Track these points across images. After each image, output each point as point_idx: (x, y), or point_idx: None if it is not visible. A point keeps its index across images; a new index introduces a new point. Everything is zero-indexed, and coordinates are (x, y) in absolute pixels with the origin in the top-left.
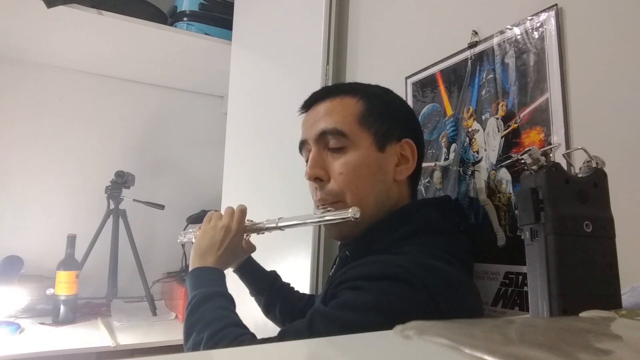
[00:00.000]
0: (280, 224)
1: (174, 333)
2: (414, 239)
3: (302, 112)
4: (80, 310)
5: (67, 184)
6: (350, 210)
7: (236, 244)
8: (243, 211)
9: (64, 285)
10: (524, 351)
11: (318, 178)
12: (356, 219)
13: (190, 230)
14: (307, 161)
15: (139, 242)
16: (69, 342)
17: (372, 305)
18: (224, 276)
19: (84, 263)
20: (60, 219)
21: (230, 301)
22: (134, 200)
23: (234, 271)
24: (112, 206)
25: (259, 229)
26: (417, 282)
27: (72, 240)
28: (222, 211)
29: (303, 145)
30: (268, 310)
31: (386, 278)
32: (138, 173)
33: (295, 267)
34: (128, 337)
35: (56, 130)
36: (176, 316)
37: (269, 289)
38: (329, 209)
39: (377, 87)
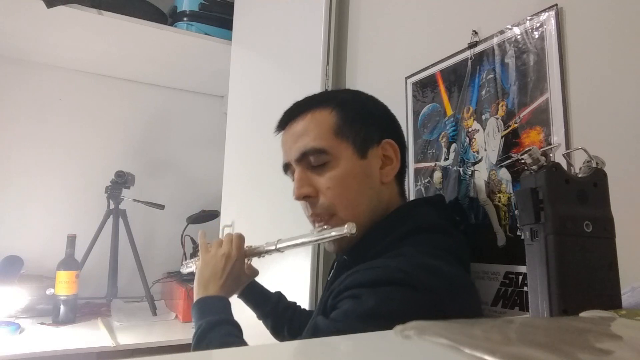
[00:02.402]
0: (279, 246)
1: (174, 333)
2: (411, 238)
3: (278, 132)
4: (80, 310)
5: (67, 184)
6: (345, 227)
7: (238, 270)
8: (241, 237)
9: (64, 285)
10: (524, 351)
11: (307, 196)
12: (352, 234)
13: (192, 260)
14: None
15: (139, 242)
16: (69, 342)
17: (374, 312)
18: (229, 303)
19: (84, 263)
20: (60, 219)
21: (236, 328)
22: (134, 200)
23: (238, 296)
24: (112, 206)
25: (259, 253)
26: (419, 286)
27: (72, 240)
28: (221, 235)
29: (287, 167)
30: (277, 332)
31: (386, 283)
32: (138, 173)
33: (295, 270)
34: (128, 337)
35: (56, 131)
36: (176, 316)
37: (274, 311)
38: (324, 227)
39: (347, 92)
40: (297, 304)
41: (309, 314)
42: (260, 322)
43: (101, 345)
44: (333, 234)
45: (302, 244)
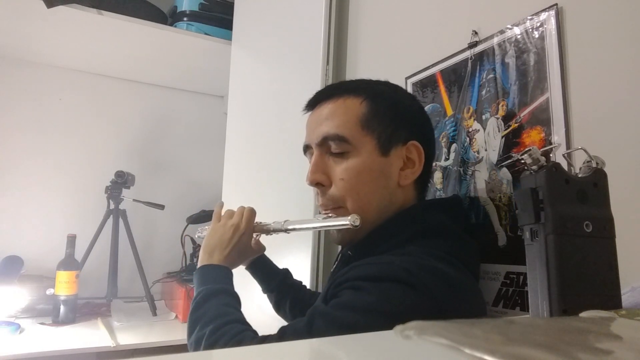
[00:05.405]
0: (286, 227)
1: (174, 333)
2: (418, 241)
3: (307, 112)
4: (80, 310)
5: (67, 184)
6: (349, 218)
7: (244, 243)
8: (253, 211)
9: (64, 285)
10: (524, 351)
11: (319, 183)
12: (355, 226)
13: (206, 227)
14: None
15: (139, 242)
16: (69, 342)
17: (373, 307)
18: (231, 274)
19: (84, 263)
20: (60, 219)
21: (235, 298)
22: (134, 200)
23: (246, 268)
24: (112, 206)
25: (267, 231)
26: (419, 285)
27: (72, 240)
28: (228, 209)
29: (307, 148)
30: (279, 307)
31: (388, 279)
32: (138, 173)
33: (295, 265)
34: (128, 337)
35: (56, 130)
36: (176, 316)
37: (279, 286)
38: (330, 214)
39: (386, 84)
40: (303, 283)
41: (313, 294)
42: (251, 301)
43: (101, 345)
44: (337, 222)
45: (308, 228)
